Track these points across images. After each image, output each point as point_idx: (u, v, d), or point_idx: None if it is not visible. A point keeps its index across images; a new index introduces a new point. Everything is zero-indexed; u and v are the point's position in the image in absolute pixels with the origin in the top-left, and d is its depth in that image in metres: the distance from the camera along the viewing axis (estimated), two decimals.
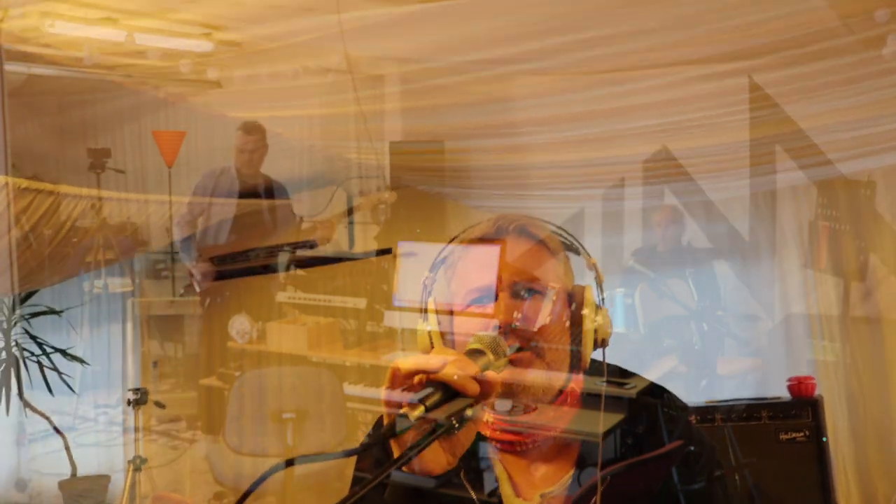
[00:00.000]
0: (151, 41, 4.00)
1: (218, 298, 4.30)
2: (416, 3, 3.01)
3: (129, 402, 3.33)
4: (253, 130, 4.33)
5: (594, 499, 1.12)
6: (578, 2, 2.84)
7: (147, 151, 5.46)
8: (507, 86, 3.62)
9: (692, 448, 1.18)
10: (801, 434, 2.42)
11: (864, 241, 3.41)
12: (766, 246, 3.76)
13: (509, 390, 1.12)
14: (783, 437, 2.42)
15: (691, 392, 3.65)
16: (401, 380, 0.99)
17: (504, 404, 1.18)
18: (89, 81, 4.99)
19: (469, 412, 0.97)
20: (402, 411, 0.94)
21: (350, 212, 4.65)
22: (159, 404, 3.83)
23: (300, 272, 4.61)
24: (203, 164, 4.64)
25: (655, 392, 1.23)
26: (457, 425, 0.96)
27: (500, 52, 3.30)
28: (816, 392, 2.46)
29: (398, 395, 0.99)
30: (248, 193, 4.35)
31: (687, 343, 3.71)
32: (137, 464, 3.31)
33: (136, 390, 3.38)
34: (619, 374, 1.25)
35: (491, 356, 1.04)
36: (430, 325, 1.19)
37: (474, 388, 0.98)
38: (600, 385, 1.19)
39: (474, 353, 1.04)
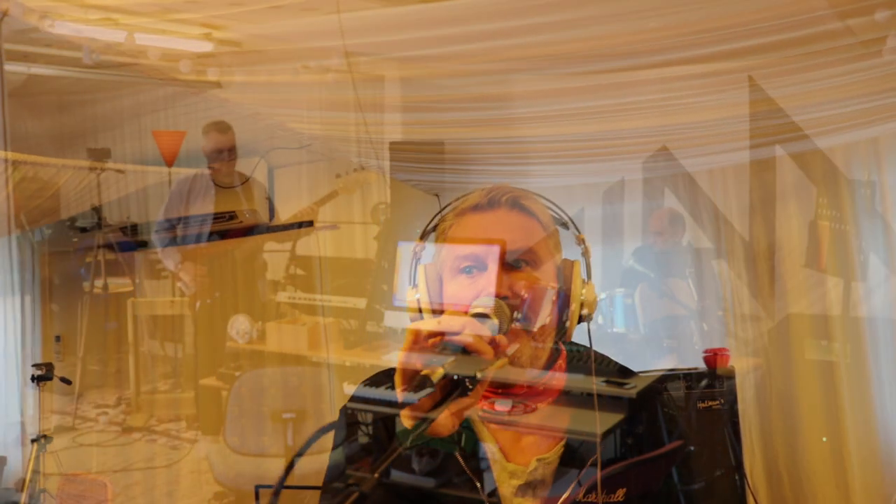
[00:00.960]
0: (151, 41, 4.00)
1: (208, 300, 4.30)
2: (416, 2, 3.01)
3: (32, 378, 3.24)
4: (226, 129, 4.30)
5: (591, 497, 1.12)
6: (578, 2, 2.85)
7: (147, 151, 5.47)
8: (506, 84, 3.62)
9: (692, 448, 1.19)
10: (717, 402, 2.56)
11: (864, 241, 3.41)
12: (766, 246, 3.75)
13: (512, 361, 1.13)
14: (700, 405, 2.55)
15: (692, 392, 3.65)
16: (421, 341, 1.01)
17: (504, 404, 1.18)
18: (89, 81, 4.99)
19: (479, 374, 0.99)
20: (423, 372, 0.97)
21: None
22: (65, 380, 3.76)
23: (300, 271, 4.61)
24: (203, 164, 4.64)
25: (654, 390, 1.23)
26: (470, 387, 0.98)
27: (500, 53, 3.30)
28: (730, 364, 2.61)
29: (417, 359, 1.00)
30: (224, 193, 4.33)
31: (687, 343, 3.71)
32: (42, 443, 3.25)
33: (40, 365, 3.29)
34: (620, 374, 1.25)
35: (496, 320, 1.06)
36: (420, 292, 1.20)
37: (489, 352, 1.01)
38: (599, 384, 1.20)
39: (480, 318, 1.06)
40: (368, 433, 1.22)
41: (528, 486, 1.16)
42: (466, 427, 1.18)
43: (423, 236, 1.25)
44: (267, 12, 3.41)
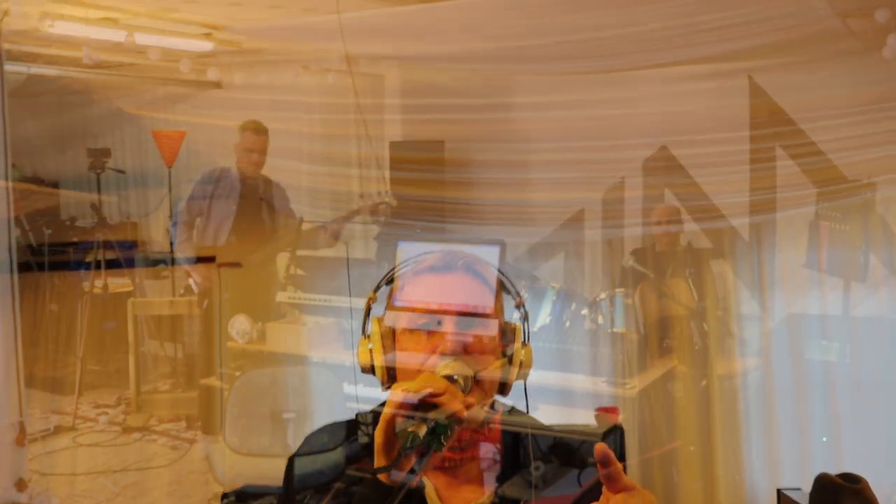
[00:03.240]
0: (151, 41, 4.00)
1: (217, 299, 4.30)
2: (416, 2, 3.02)
3: None
4: (261, 131, 4.30)
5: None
6: (578, 2, 2.85)
7: (147, 151, 5.47)
8: (506, 84, 3.62)
9: None
10: None
11: (864, 241, 3.41)
12: (766, 246, 3.76)
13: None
14: (590, 460, 2.62)
15: (691, 392, 3.66)
16: (409, 399, 1.09)
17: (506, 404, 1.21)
18: (89, 81, 5.00)
19: (449, 432, 1.09)
20: (410, 429, 1.07)
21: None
22: None
23: (300, 272, 4.61)
24: (203, 164, 4.64)
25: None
26: (445, 444, 1.08)
27: (500, 53, 3.30)
28: (619, 420, 2.74)
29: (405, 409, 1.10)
30: (248, 194, 4.34)
31: (687, 343, 3.71)
32: None
33: None
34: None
35: (461, 383, 1.15)
36: (373, 342, 1.28)
37: (463, 412, 1.10)
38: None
39: (448, 380, 1.15)
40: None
41: None
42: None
43: (377, 289, 1.33)
44: (267, 12, 3.42)
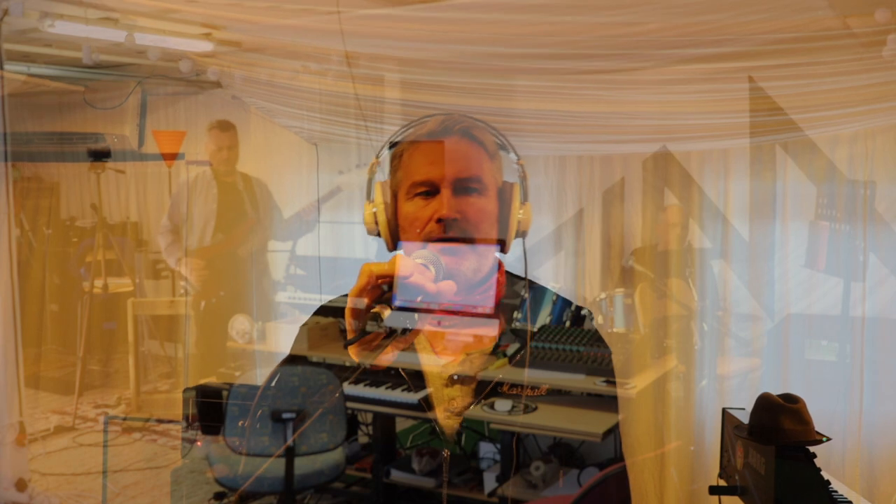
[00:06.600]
0: (151, 41, 4.00)
1: (213, 300, 4.30)
2: (416, 2, 3.02)
3: None
4: (228, 127, 4.33)
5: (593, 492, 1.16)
6: (578, 2, 2.85)
7: (147, 151, 5.46)
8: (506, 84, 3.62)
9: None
10: None
11: (864, 241, 3.41)
12: (766, 246, 3.75)
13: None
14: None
15: (691, 392, 3.66)
16: (373, 281, 1.12)
17: (504, 404, 1.23)
18: (89, 81, 4.99)
19: (416, 316, 1.13)
20: (374, 310, 1.10)
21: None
22: None
23: (299, 271, 4.61)
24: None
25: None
26: (410, 328, 1.12)
27: (500, 54, 3.30)
28: None
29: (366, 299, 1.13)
30: (226, 192, 4.36)
31: (687, 343, 3.71)
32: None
33: None
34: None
35: (433, 269, 1.18)
36: (377, 206, 1.33)
37: (431, 288, 1.14)
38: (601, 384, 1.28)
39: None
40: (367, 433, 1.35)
41: (456, 377, 1.33)
42: (467, 427, 1.24)
43: (380, 154, 1.37)
44: (267, 12, 3.41)
